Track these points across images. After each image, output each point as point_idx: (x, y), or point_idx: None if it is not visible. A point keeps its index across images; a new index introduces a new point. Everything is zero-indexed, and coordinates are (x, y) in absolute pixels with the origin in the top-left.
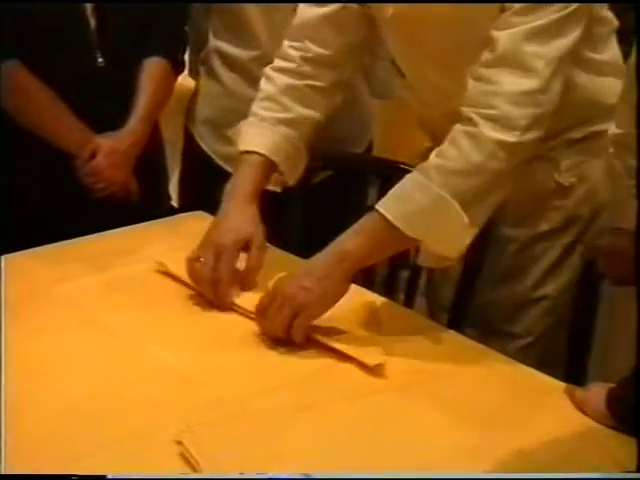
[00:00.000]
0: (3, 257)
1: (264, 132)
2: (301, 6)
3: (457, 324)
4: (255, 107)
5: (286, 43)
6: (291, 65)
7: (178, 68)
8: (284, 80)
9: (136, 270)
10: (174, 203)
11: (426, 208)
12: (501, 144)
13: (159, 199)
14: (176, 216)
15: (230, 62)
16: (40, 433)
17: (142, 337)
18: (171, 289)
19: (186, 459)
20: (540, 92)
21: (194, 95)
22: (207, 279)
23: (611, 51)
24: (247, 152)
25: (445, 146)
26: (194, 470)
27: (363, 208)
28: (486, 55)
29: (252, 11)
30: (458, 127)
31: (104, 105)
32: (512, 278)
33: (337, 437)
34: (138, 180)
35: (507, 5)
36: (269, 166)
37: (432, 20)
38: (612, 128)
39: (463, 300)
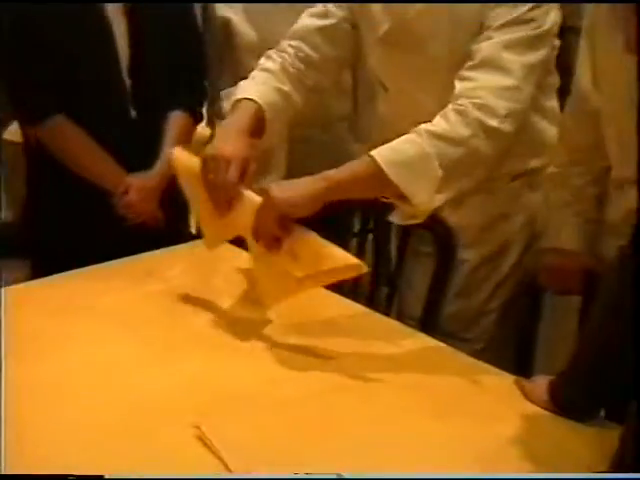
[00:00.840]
0: (55, 276)
1: (258, 87)
2: (303, 15)
3: (426, 332)
4: (253, 73)
5: (285, 41)
6: (287, 57)
7: (197, 119)
8: (281, 62)
9: (164, 286)
10: (193, 230)
11: (411, 160)
12: (483, 126)
13: (180, 227)
14: (194, 241)
15: None
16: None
17: (170, 344)
18: (196, 304)
19: (203, 441)
20: (516, 90)
21: (209, 141)
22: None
23: (554, 101)
24: (240, 100)
25: (437, 119)
26: (211, 451)
27: (350, 234)
28: (468, 63)
29: (253, 62)
30: (450, 105)
31: (135, 150)
32: (466, 294)
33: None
34: (163, 211)
35: (486, 23)
36: (260, 111)
37: (416, 37)
38: (551, 168)
39: (430, 313)
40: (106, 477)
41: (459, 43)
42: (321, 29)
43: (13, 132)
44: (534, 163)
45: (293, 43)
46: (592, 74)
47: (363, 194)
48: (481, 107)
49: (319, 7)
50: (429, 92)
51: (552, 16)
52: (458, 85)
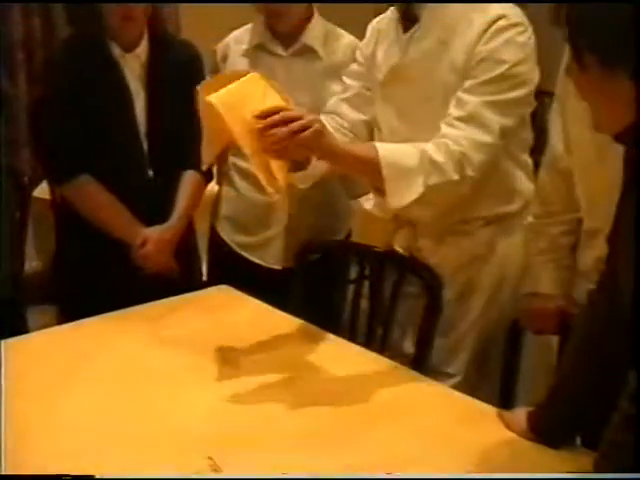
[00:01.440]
0: (79, 322)
1: None
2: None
3: (417, 368)
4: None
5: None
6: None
7: (208, 177)
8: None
9: (178, 331)
10: (205, 278)
11: (405, 168)
12: (462, 172)
13: (194, 276)
14: (206, 289)
15: (243, 173)
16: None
17: (183, 383)
18: (207, 347)
19: (215, 471)
20: (492, 146)
21: (217, 198)
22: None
23: (527, 154)
24: None
25: (435, 147)
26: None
27: (346, 281)
28: (456, 111)
29: None
30: (444, 140)
31: (152, 205)
32: (444, 331)
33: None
34: (178, 261)
35: (472, 73)
36: None
37: (412, 79)
38: (529, 218)
39: (421, 350)
40: (97, 477)
41: (451, 87)
42: (346, 100)
43: (41, 190)
44: (507, 209)
45: (326, 116)
46: (563, 137)
47: (352, 169)
48: (462, 155)
49: (340, 87)
50: (420, 132)
51: (535, 73)
52: (446, 129)
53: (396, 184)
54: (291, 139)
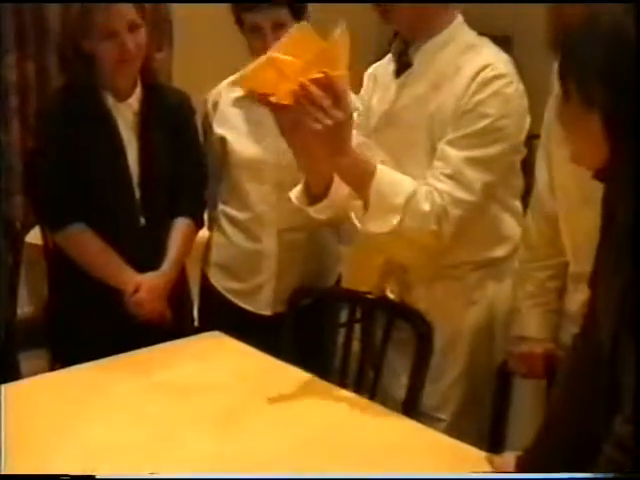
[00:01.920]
0: (71, 368)
1: None
2: None
3: (408, 413)
4: None
5: None
6: None
7: (199, 224)
8: None
9: (170, 376)
10: (196, 324)
11: (394, 199)
12: (439, 222)
13: (185, 322)
14: (198, 335)
15: (232, 221)
16: None
17: (177, 428)
18: (199, 392)
19: None
20: (472, 204)
21: (208, 244)
22: None
23: (518, 200)
24: None
25: (425, 196)
26: None
27: (337, 325)
28: (440, 166)
29: (247, 184)
30: (433, 191)
31: (145, 252)
32: (435, 377)
33: None
34: (170, 307)
35: (457, 125)
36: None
37: (402, 125)
38: (515, 263)
39: (412, 396)
40: (97, 477)
41: (437, 134)
42: None
43: (33, 235)
44: (497, 254)
45: None
46: (548, 180)
47: (347, 176)
48: (443, 210)
49: None
50: (407, 175)
51: (523, 124)
52: (433, 180)
53: (376, 212)
54: (324, 109)
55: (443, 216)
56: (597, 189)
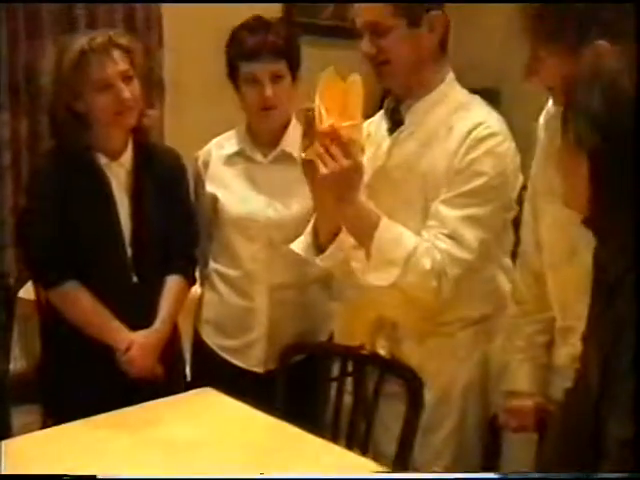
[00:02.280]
0: (63, 425)
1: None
2: None
3: (400, 468)
4: None
5: None
6: None
7: (191, 282)
8: None
9: (162, 433)
10: (188, 379)
11: (395, 252)
12: (438, 278)
13: (178, 378)
14: (190, 392)
15: (224, 279)
16: None
17: None
18: (190, 448)
19: None
20: (469, 262)
21: (199, 302)
22: None
23: (508, 258)
24: None
25: (426, 251)
26: None
27: (328, 379)
28: (437, 226)
29: (238, 241)
30: (432, 249)
31: (137, 310)
32: (428, 431)
33: None
34: (162, 364)
35: (451, 184)
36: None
37: (393, 182)
38: (504, 318)
39: (403, 451)
40: (99, 477)
41: (429, 192)
42: None
43: (26, 290)
44: (488, 311)
45: None
46: (534, 236)
47: (351, 226)
48: (442, 268)
49: None
50: None
51: (516, 182)
52: (433, 239)
53: (377, 263)
54: (332, 156)
55: (442, 274)
56: (581, 244)
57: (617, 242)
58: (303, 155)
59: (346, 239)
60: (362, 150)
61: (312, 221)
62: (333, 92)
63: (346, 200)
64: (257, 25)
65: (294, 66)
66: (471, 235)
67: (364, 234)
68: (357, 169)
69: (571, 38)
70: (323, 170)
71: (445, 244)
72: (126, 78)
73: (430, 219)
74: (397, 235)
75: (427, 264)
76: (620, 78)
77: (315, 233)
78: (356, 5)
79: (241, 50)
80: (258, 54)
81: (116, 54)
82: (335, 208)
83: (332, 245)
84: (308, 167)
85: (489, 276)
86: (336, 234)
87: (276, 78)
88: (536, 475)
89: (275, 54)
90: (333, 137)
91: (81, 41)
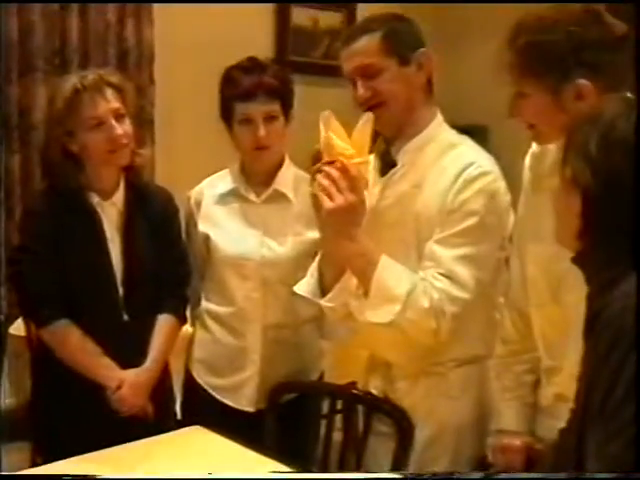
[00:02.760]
0: (53, 464)
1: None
2: None
3: None
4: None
5: None
6: None
7: (182, 321)
8: None
9: (153, 472)
10: (179, 417)
11: (395, 290)
12: (437, 317)
13: (168, 416)
14: (180, 430)
15: (216, 318)
16: None
17: None
18: None
19: None
20: (466, 301)
21: (191, 340)
22: None
23: (502, 297)
24: None
25: (423, 290)
26: None
27: (319, 416)
28: (433, 266)
29: (231, 280)
30: (429, 287)
31: (128, 348)
32: (421, 470)
33: None
34: (153, 402)
35: (444, 224)
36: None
37: (387, 224)
38: (492, 359)
39: None
40: (98, 477)
41: (422, 231)
42: None
43: (16, 327)
44: (481, 351)
45: None
46: (520, 275)
47: (350, 262)
48: (440, 307)
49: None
50: None
51: (508, 220)
52: (430, 278)
53: (376, 300)
54: (339, 189)
55: (440, 313)
56: (566, 285)
57: (600, 280)
58: (311, 189)
59: (350, 279)
60: (366, 187)
61: (316, 262)
62: (341, 130)
63: (348, 237)
64: (252, 66)
65: (287, 107)
66: (467, 274)
67: (364, 272)
68: (361, 206)
69: (554, 76)
70: (329, 204)
71: (442, 283)
72: (118, 116)
73: (425, 259)
74: (397, 273)
75: (425, 302)
76: (619, 122)
77: (320, 274)
78: (344, 51)
79: (236, 90)
80: (254, 94)
81: (108, 92)
82: (337, 245)
83: (337, 285)
84: (317, 202)
85: (485, 316)
86: (341, 275)
87: (270, 119)
88: (538, 475)
89: (270, 95)
90: (342, 171)
91: (73, 80)
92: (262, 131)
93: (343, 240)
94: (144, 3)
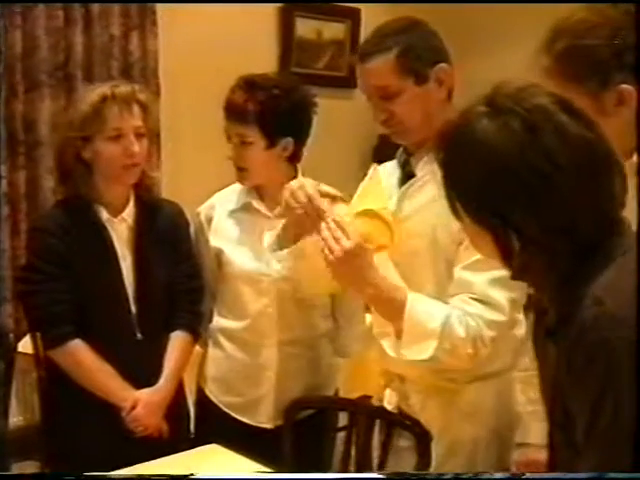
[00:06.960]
0: None
1: None
2: None
3: None
4: None
5: None
6: None
7: (196, 338)
8: None
9: None
10: (192, 435)
11: (426, 326)
12: (475, 347)
13: (183, 435)
14: (196, 449)
15: (230, 335)
16: None
17: None
18: None
19: None
20: (504, 323)
21: (204, 358)
22: None
23: (521, 314)
24: None
25: (459, 320)
26: None
27: (334, 429)
28: (465, 292)
29: (246, 296)
30: (466, 316)
31: (142, 367)
32: None
33: None
34: (167, 421)
35: (470, 248)
36: None
37: (404, 235)
38: (515, 372)
39: None
40: (98, 476)
41: (440, 245)
42: None
43: (24, 345)
44: (496, 366)
45: None
46: None
47: (374, 304)
48: (478, 333)
49: None
50: (412, 288)
51: None
52: (460, 304)
53: (411, 338)
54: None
55: (479, 339)
56: None
57: (556, 288)
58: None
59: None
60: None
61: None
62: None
63: (364, 282)
64: (241, 86)
65: (269, 133)
66: (501, 296)
67: (393, 312)
68: (360, 249)
69: (595, 81)
70: (330, 258)
71: (476, 309)
72: (138, 134)
73: (455, 287)
74: (427, 307)
75: (461, 331)
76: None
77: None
78: (359, 68)
79: (224, 107)
80: (228, 114)
81: (135, 108)
82: (359, 293)
83: None
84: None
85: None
86: None
87: (246, 144)
88: (539, 475)
89: (241, 119)
90: (337, 223)
91: (104, 88)
92: (236, 152)
93: (362, 287)
94: (149, 15)
